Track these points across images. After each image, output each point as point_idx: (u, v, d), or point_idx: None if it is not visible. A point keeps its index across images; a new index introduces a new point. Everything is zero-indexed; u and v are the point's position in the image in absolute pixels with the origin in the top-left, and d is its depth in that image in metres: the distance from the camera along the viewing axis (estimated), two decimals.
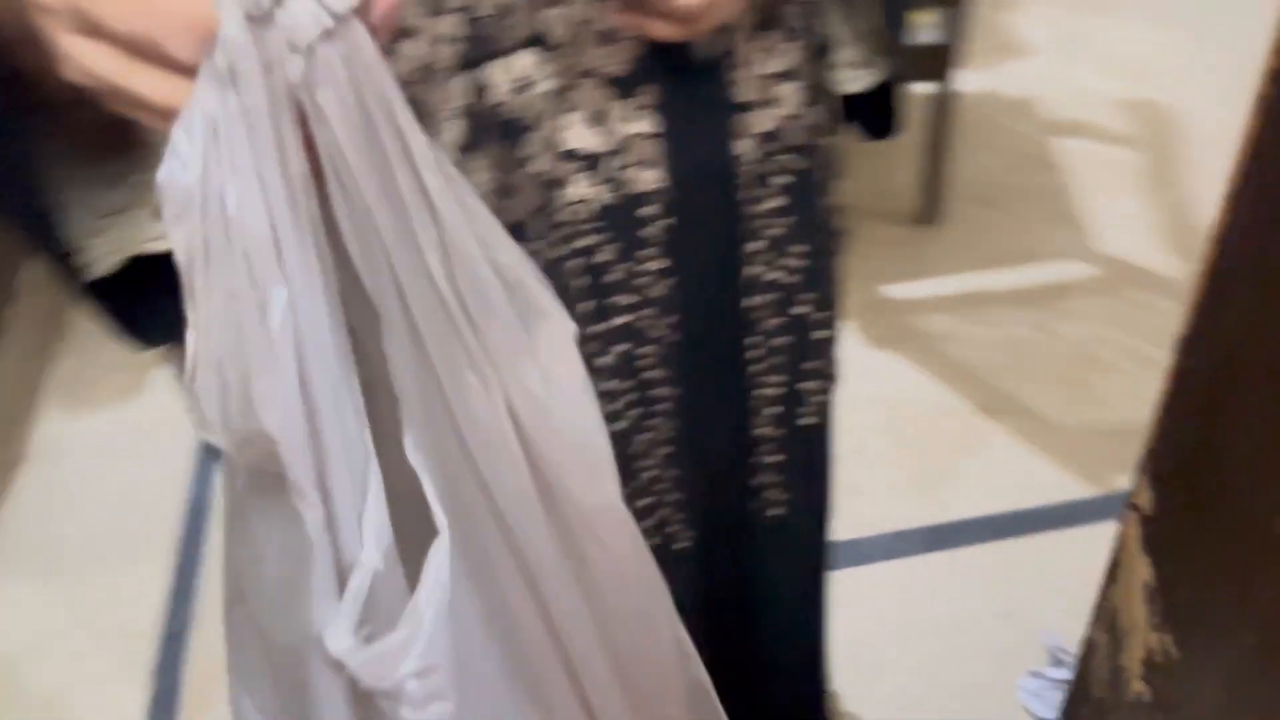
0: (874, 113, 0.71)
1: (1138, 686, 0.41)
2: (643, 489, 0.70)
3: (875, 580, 1.50)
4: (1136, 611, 0.41)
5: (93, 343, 1.92)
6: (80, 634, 1.50)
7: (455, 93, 0.52)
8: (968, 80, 2.31)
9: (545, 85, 0.53)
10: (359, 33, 0.39)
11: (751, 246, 0.64)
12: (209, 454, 1.72)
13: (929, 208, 1.99)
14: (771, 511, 0.77)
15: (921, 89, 1.88)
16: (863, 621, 1.44)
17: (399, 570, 0.47)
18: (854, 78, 0.69)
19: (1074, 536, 1.53)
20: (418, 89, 0.51)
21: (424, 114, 0.52)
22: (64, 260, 0.50)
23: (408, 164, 0.41)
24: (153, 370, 1.86)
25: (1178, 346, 0.39)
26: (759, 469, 0.75)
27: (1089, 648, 0.48)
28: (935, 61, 1.79)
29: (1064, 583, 1.47)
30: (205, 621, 1.50)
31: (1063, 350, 1.78)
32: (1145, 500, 0.41)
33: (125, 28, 0.37)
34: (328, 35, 0.38)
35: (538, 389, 0.45)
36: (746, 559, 0.79)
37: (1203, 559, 0.39)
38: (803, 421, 0.74)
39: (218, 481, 1.68)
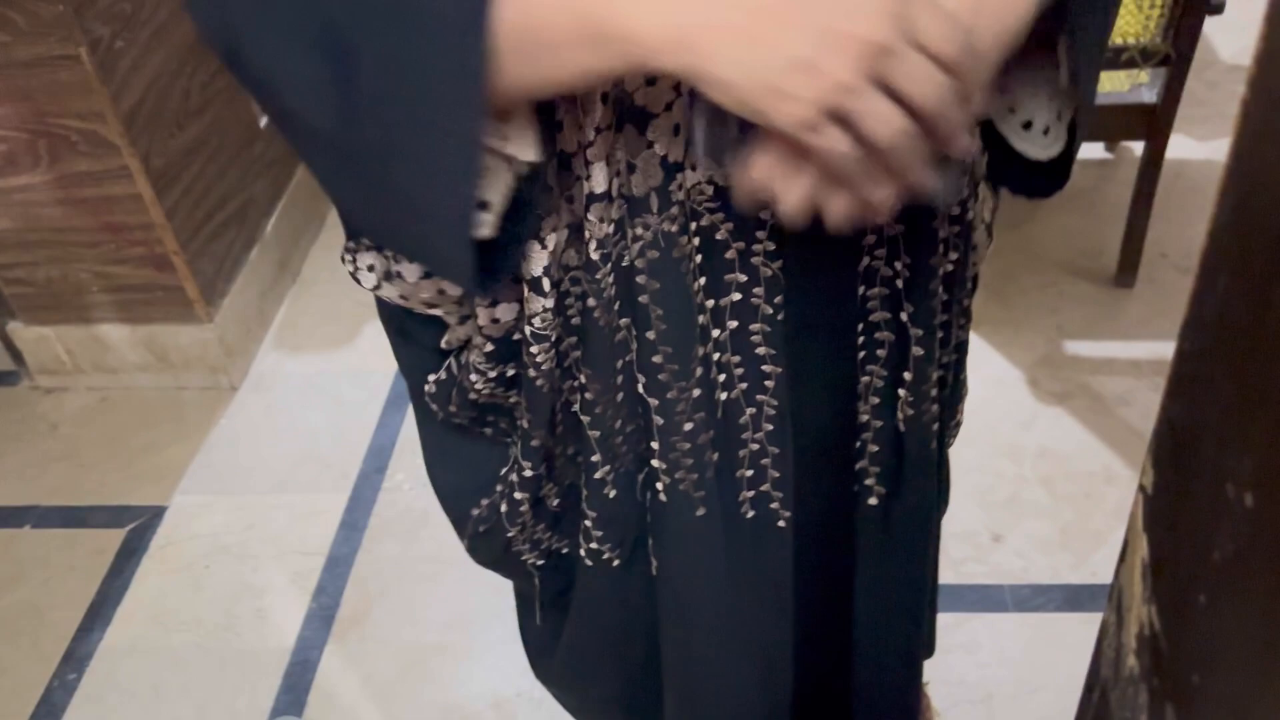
0: (1047, 174, 0.64)
1: (1131, 661, 0.44)
2: (747, 460, 0.74)
3: (1005, 629, 1.49)
4: (1135, 588, 0.44)
5: (318, 292, 2.11)
6: (259, 546, 1.67)
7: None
8: (1189, 148, 2.24)
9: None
10: None
11: (869, 238, 0.67)
12: (395, 407, 1.87)
13: (1126, 269, 1.94)
14: (870, 500, 0.79)
15: (1133, 148, 1.85)
16: (984, 667, 1.44)
17: None
18: (1043, 145, 0.63)
19: None
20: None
21: (576, 100, 0.58)
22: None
23: None
24: (362, 327, 2.03)
25: (1180, 331, 0.43)
26: (861, 455, 0.77)
27: (1101, 630, 0.50)
28: (1145, 121, 1.76)
29: None
30: (370, 550, 1.64)
31: None
32: (1148, 480, 0.44)
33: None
34: None
35: None
36: (844, 544, 0.81)
37: (1181, 530, 0.42)
38: (904, 416, 0.75)
39: (401, 428, 1.83)
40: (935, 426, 0.78)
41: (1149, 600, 0.42)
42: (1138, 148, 1.84)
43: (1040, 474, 1.68)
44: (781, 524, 0.77)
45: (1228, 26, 2.23)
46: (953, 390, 0.88)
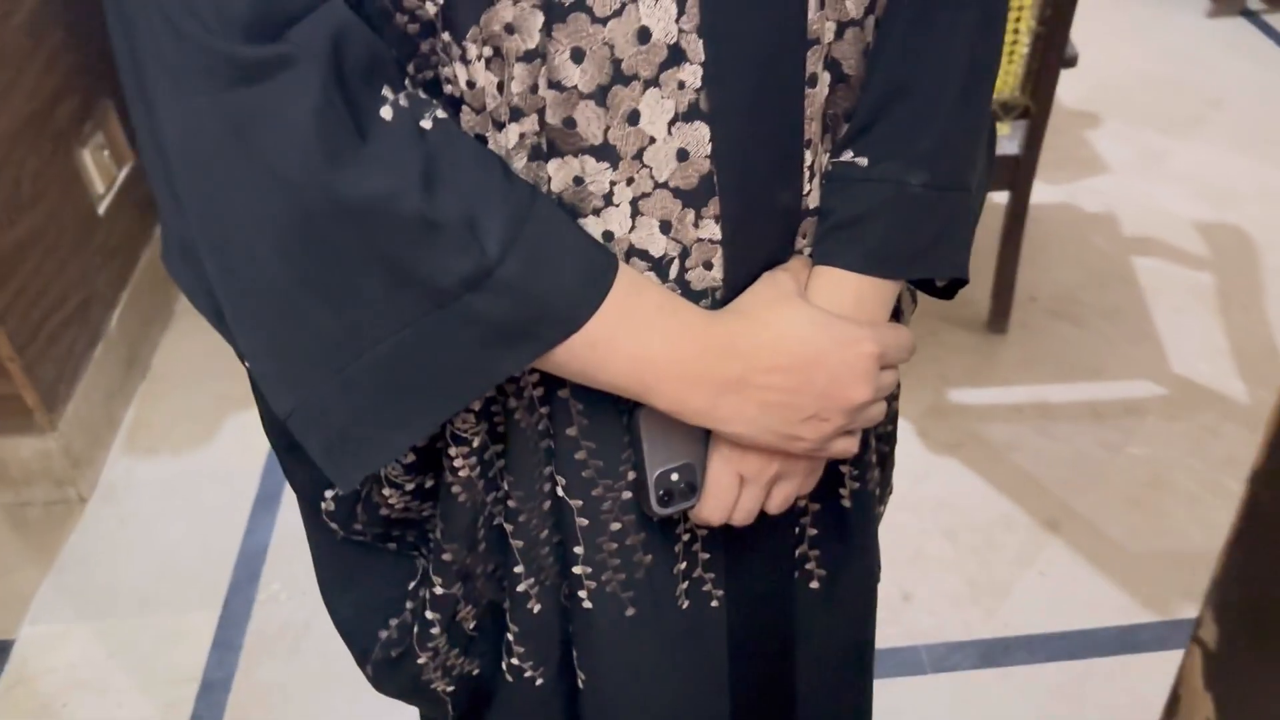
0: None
1: None
2: (681, 553, 0.70)
3: (925, 692, 1.46)
4: None
5: (171, 388, 1.97)
6: (123, 677, 1.52)
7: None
8: (1046, 193, 2.32)
9: (600, 188, 0.57)
10: None
11: None
12: (264, 508, 1.74)
13: (998, 316, 1.98)
14: (812, 584, 0.77)
15: (997, 198, 1.89)
16: None
17: None
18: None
19: (1133, 663, 1.49)
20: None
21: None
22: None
23: None
24: (222, 421, 1.89)
25: (1251, 478, 0.39)
26: (801, 540, 0.75)
27: None
28: (1009, 172, 1.79)
29: (1123, 712, 1.43)
30: (249, 672, 1.51)
31: (1130, 470, 1.75)
32: (1210, 635, 0.40)
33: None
34: None
35: None
36: (783, 621, 0.78)
37: (1267, 701, 0.38)
38: (850, 491, 0.73)
39: (273, 531, 1.70)
40: (877, 494, 0.77)
41: None
42: (1000, 196, 1.87)
43: (941, 526, 1.67)
44: (715, 604, 0.73)
45: (1067, 74, 2.32)
46: (887, 458, 0.87)
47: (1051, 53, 1.64)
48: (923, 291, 0.75)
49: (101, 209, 1.86)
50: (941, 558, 1.63)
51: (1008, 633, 1.53)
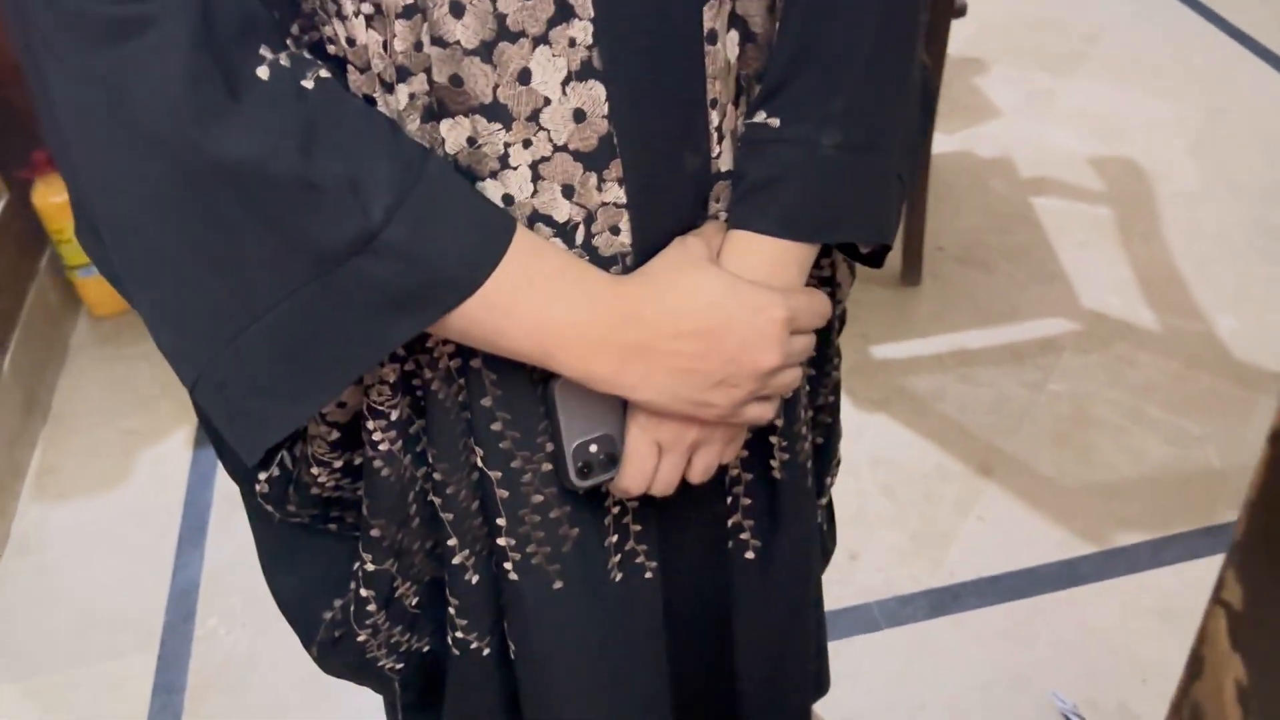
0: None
1: None
2: (611, 526, 0.69)
3: (880, 648, 1.48)
4: (1229, 711, 0.40)
5: (76, 427, 1.88)
6: None
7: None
8: (943, 142, 2.35)
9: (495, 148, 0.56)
10: None
11: None
12: (191, 542, 1.68)
13: (911, 268, 2.00)
14: (747, 554, 0.76)
15: None
16: (869, 694, 1.42)
17: None
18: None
19: (1077, 595, 1.52)
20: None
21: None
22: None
23: None
24: (133, 457, 1.82)
25: (1271, 437, 0.38)
26: (735, 509, 0.75)
27: None
28: None
29: (1073, 644, 1.46)
30: (196, 713, 1.45)
31: (1053, 407, 1.78)
32: (1235, 596, 0.40)
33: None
34: None
35: None
36: (720, 593, 0.78)
37: None
38: (780, 463, 0.73)
39: (204, 565, 1.64)
40: (810, 466, 0.76)
41: None
42: None
43: (879, 483, 1.69)
44: (649, 574, 0.72)
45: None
46: (831, 429, 0.87)
47: (942, 3, 1.65)
48: (850, 258, 0.74)
49: None
50: (882, 514, 1.64)
51: (954, 580, 1.55)
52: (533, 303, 0.56)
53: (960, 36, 2.63)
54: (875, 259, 0.70)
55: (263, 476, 0.70)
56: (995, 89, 2.51)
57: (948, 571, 1.56)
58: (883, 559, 1.58)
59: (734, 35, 0.59)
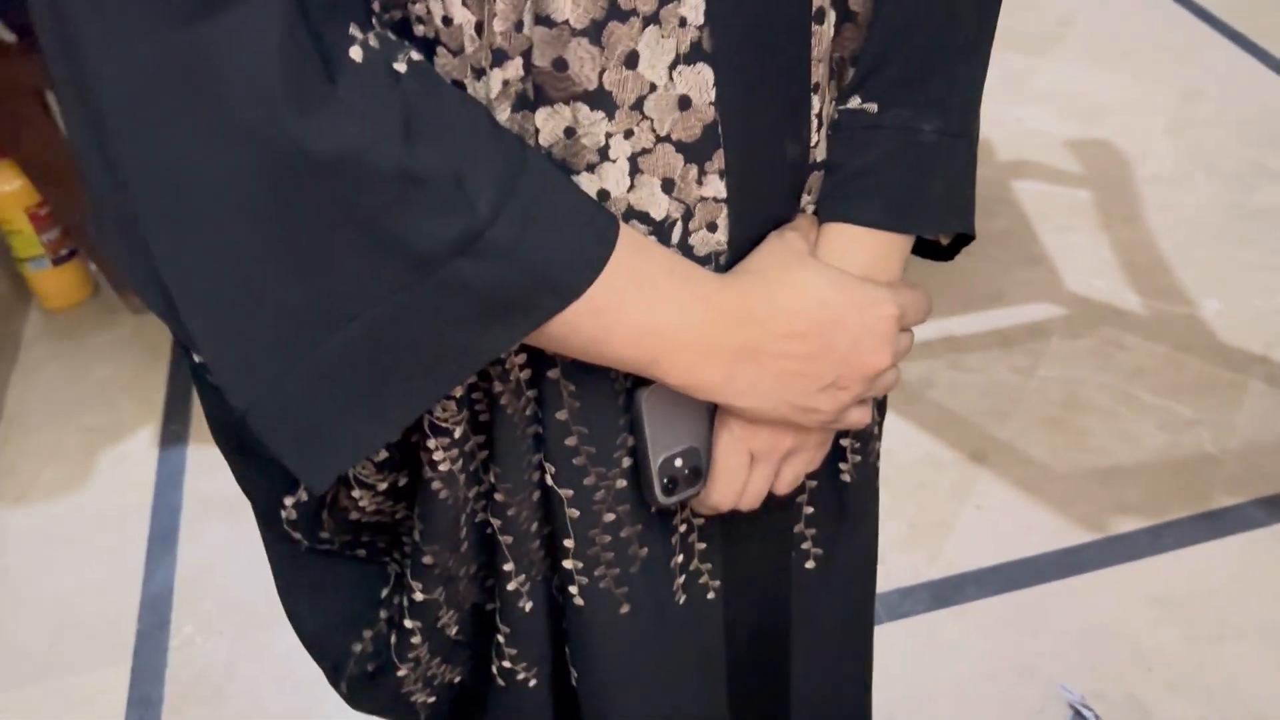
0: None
1: None
2: (678, 545, 0.65)
3: (884, 641, 1.44)
4: None
5: (33, 428, 1.79)
6: None
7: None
8: None
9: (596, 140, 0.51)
10: None
11: None
12: (161, 546, 1.60)
13: None
14: (808, 563, 0.73)
15: None
16: (878, 687, 1.39)
17: None
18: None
19: (1078, 585, 1.50)
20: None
21: None
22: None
23: None
24: (95, 457, 1.74)
25: None
26: (798, 519, 0.71)
27: None
28: None
29: (1077, 632, 1.44)
30: None
31: (1044, 392, 1.77)
32: None
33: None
34: None
35: None
36: (780, 604, 0.75)
37: None
38: (851, 465, 0.70)
39: (176, 569, 1.57)
40: (879, 466, 0.73)
41: None
42: None
43: None
44: (711, 595, 0.69)
45: None
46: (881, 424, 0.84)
47: None
48: (920, 255, 0.70)
49: None
50: (881, 504, 1.61)
51: (954, 571, 1.53)
52: (641, 306, 0.51)
53: None
54: (951, 251, 0.66)
55: (289, 501, 0.65)
56: None
57: (947, 562, 1.54)
58: (882, 551, 1.54)
59: (833, 14, 0.55)
